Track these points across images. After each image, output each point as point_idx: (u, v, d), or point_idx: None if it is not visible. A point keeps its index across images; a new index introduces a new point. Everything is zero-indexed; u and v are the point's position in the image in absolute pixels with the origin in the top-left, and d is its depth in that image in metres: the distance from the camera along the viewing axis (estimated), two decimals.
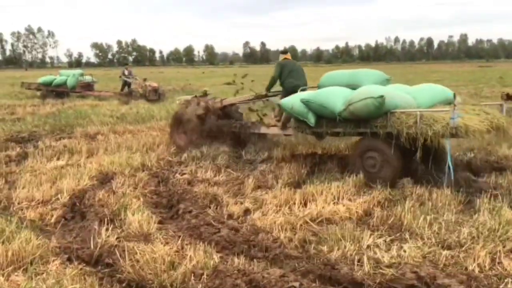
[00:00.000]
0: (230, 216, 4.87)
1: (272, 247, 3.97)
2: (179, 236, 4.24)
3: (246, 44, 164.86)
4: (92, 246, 3.99)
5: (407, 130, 5.37)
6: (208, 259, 3.66)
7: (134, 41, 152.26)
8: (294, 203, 5.13)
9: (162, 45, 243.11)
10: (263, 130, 7.74)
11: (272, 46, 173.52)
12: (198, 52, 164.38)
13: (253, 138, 7.98)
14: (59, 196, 5.50)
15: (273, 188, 5.71)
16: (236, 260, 3.69)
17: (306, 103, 6.24)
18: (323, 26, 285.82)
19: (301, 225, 4.50)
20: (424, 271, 3.35)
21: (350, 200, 5.16)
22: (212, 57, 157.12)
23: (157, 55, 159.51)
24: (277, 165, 6.65)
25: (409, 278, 3.29)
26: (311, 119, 6.27)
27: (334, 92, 6.15)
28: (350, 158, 6.31)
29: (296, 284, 3.19)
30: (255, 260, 3.72)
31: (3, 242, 3.98)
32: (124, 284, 3.41)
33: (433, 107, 5.89)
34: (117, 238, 4.15)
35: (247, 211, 4.98)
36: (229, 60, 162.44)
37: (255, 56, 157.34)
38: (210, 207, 5.09)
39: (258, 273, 3.37)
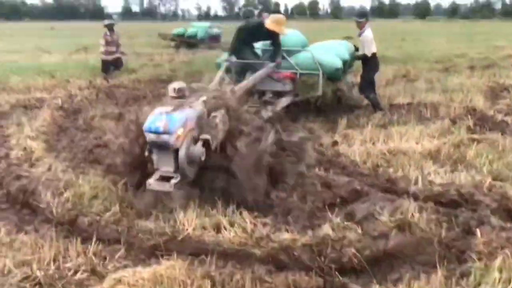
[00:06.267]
0: (320, 145, 5.93)
1: (348, 165, 5.02)
2: None
3: None
4: None
5: None
6: None
7: None
8: (378, 140, 6.03)
9: None
10: None
11: None
12: (323, 6, 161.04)
13: None
14: None
15: (364, 128, 6.62)
16: (317, 170, 4.83)
17: None
18: None
19: (377, 154, 5.40)
20: (466, 189, 4.14)
21: (429, 141, 5.89)
22: (337, 11, 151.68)
23: (281, 8, 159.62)
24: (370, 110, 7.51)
25: (451, 194, 4.09)
26: None
27: None
28: None
29: (358, 186, 4.24)
30: (331, 171, 4.83)
31: None
32: None
33: None
34: None
35: (335, 143, 6.00)
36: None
37: (383, 10, 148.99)
38: None
39: (331, 178, 4.48)
